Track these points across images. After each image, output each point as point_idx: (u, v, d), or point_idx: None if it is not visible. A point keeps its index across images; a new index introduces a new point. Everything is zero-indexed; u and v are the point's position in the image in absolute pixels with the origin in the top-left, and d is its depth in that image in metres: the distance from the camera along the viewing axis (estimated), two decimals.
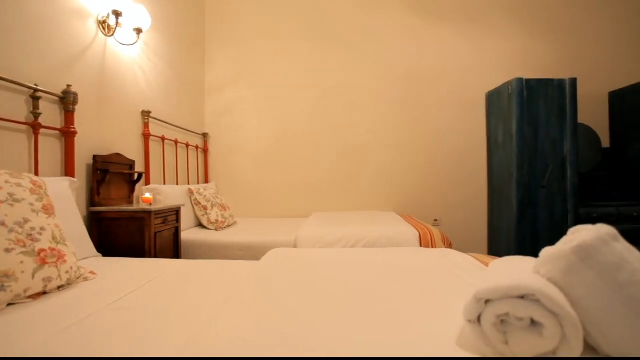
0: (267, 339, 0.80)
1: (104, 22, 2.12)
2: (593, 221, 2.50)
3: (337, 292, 1.11)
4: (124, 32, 2.28)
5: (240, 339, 0.80)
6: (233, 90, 3.71)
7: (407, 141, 3.52)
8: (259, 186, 3.65)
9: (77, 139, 1.86)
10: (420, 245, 2.08)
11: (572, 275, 0.71)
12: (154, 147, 2.72)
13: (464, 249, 2.68)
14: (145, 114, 2.56)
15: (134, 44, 2.33)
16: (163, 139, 2.80)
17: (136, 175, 2.35)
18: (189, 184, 3.22)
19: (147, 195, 2.13)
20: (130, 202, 2.33)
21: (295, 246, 2.25)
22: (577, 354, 0.66)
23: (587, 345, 0.71)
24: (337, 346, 0.76)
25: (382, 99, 3.54)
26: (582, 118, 2.95)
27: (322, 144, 3.59)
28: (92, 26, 2.06)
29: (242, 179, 3.67)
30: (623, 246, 0.71)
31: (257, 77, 3.68)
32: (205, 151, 3.67)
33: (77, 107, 1.86)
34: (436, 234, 2.17)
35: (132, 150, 2.42)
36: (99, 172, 1.99)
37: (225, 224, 2.77)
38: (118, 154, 2.19)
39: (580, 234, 0.74)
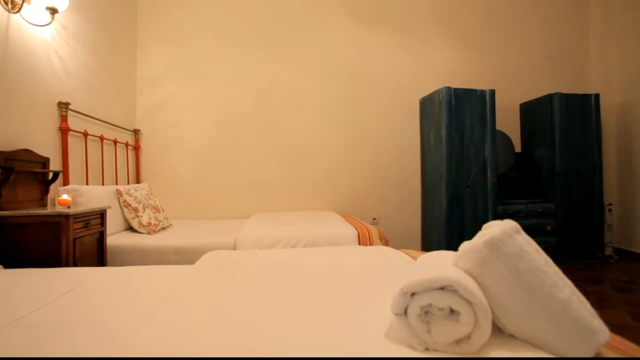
0: (197, 347, 0.76)
1: None
2: (508, 217, 2.82)
3: (274, 293, 1.10)
4: (34, 10, 2.00)
5: (168, 348, 0.75)
6: (169, 85, 3.48)
7: (348, 142, 3.62)
8: (196, 186, 3.47)
9: None
10: (359, 243, 2.16)
11: (484, 265, 0.79)
12: (75, 143, 2.44)
13: (400, 245, 2.84)
14: (63, 106, 2.28)
15: (48, 24, 2.06)
16: (85, 134, 2.53)
17: (51, 175, 2.09)
18: (117, 184, 2.95)
19: (65, 196, 1.90)
20: (44, 205, 2.06)
21: (234, 248, 2.19)
22: (487, 336, 0.74)
23: (496, 327, 0.80)
24: (269, 347, 0.76)
25: (324, 101, 3.60)
26: (499, 125, 3.31)
27: (264, 143, 3.54)
28: None
29: (179, 179, 3.46)
30: (523, 238, 0.81)
31: (195, 72, 3.50)
32: (137, 149, 3.40)
33: None
34: (374, 232, 2.26)
35: (45, 146, 2.14)
36: (1, 170, 1.73)
37: (159, 227, 2.59)
38: (27, 150, 1.92)
39: (491, 229, 0.83)
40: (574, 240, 3.21)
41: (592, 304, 2.15)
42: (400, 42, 3.68)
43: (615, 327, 1.88)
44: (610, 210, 3.32)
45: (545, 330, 0.73)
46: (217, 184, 3.49)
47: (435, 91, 3.15)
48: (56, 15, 2.08)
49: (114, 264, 2.12)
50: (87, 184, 2.54)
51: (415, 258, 1.49)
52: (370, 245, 2.15)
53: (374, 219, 3.59)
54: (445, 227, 2.99)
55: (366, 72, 3.64)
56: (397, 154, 3.65)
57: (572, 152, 3.23)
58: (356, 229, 2.27)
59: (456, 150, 3.02)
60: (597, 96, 3.26)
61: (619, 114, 3.58)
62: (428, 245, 3.32)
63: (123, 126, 3.13)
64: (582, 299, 0.78)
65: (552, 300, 0.73)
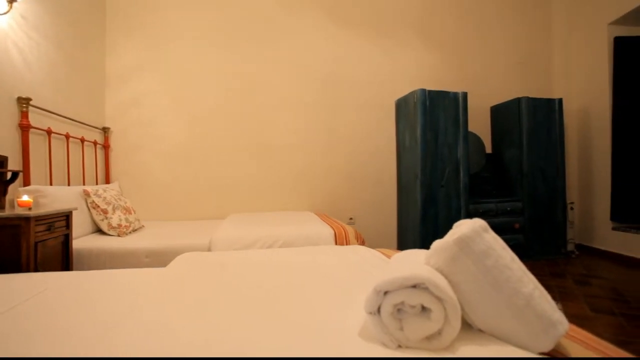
0: (167, 348, 0.74)
1: None
2: (480, 215, 2.89)
3: (249, 294, 1.09)
4: None
5: (136, 353, 0.72)
6: (140, 82, 3.36)
7: (324, 143, 3.63)
8: (170, 187, 3.37)
9: None
10: (335, 243, 2.17)
11: (454, 263, 0.81)
12: (37, 141, 2.31)
13: (376, 244, 2.88)
14: (23, 102, 2.15)
15: (5, 13, 1.93)
16: (49, 132, 2.40)
17: (9, 175, 1.96)
18: (84, 184, 2.81)
19: (25, 197, 1.79)
20: (2, 207, 1.94)
21: (209, 249, 2.14)
22: (456, 332, 0.76)
23: (465, 322, 0.82)
24: (241, 347, 0.75)
25: (300, 101, 3.60)
26: (471, 127, 3.43)
27: (240, 143, 3.49)
28: None
29: (151, 179, 3.35)
30: (491, 236, 0.84)
31: (168, 69, 3.39)
32: (106, 148, 3.26)
33: None
34: (350, 231, 2.28)
35: (3, 144, 2.01)
36: None
37: (130, 229, 2.49)
38: None
39: (460, 228, 0.85)
40: (539, 237, 3.37)
41: (556, 297, 2.25)
42: (377, 44, 3.73)
43: (575, 318, 2.00)
44: (572, 208, 3.51)
45: (510, 324, 0.76)
46: (191, 184, 3.40)
47: (411, 93, 3.21)
48: (14, 4, 1.96)
49: (81, 269, 2.02)
50: (51, 184, 2.41)
51: (390, 257, 1.52)
52: (346, 244, 2.16)
53: (351, 218, 3.62)
54: (420, 226, 3.06)
55: (343, 73, 3.66)
56: (374, 154, 3.70)
57: (538, 153, 3.39)
58: (333, 228, 2.28)
59: (430, 151, 3.10)
60: (560, 101, 3.44)
61: (579, 118, 3.80)
62: (404, 244, 3.39)
63: (91, 124, 2.99)
64: (545, 292, 0.82)
65: (517, 294, 0.76)
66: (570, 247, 3.46)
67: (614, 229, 3.37)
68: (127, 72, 3.34)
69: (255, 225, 2.43)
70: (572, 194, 3.78)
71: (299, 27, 3.60)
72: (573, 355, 0.73)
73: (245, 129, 3.50)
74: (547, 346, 0.73)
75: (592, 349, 0.76)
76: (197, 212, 3.38)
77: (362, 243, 2.27)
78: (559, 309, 0.79)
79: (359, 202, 3.65)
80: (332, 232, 2.24)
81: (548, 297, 0.81)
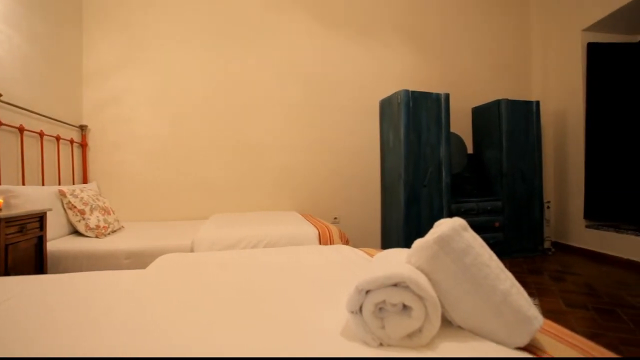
0: (145, 350, 0.72)
1: None
2: (461, 214, 2.95)
3: (231, 295, 1.07)
4: None
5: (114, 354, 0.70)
6: (120, 79, 3.27)
7: (309, 143, 3.63)
8: (151, 186, 3.29)
9: None
10: (320, 243, 2.17)
11: (434, 261, 0.83)
12: (8, 139, 2.21)
13: (360, 244, 2.90)
14: None
15: None
16: (21, 129, 2.30)
17: None
18: (60, 184, 2.72)
19: None
20: None
21: (192, 250, 2.10)
22: (436, 329, 0.77)
23: (445, 319, 0.84)
24: (222, 348, 0.74)
25: (285, 100, 3.58)
26: (453, 128, 3.50)
27: (223, 142, 3.44)
28: None
29: (131, 179, 3.26)
30: (470, 234, 0.86)
31: (149, 66, 3.31)
32: (84, 146, 3.15)
33: None
34: (334, 231, 2.29)
35: None
36: None
37: (109, 230, 2.42)
38: None
39: (441, 227, 0.87)
40: (518, 235, 3.47)
41: (533, 293, 2.32)
42: (361, 44, 3.75)
43: (551, 312, 2.06)
44: (548, 207, 3.63)
45: (488, 320, 0.78)
46: (173, 184, 3.34)
47: (394, 93, 3.25)
48: None
49: (56, 272, 1.95)
50: (23, 184, 2.31)
51: (373, 256, 1.53)
52: (331, 244, 2.17)
53: (335, 218, 3.63)
54: (404, 226, 3.10)
55: (327, 72, 3.67)
56: (358, 154, 3.72)
57: (517, 154, 3.49)
58: (317, 228, 2.28)
59: (414, 151, 3.14)
60: (537, 103, 3.55)
61: (555, 120, 3.93)
62: (388, 243, 3.42)
63: (67, 121, 2.89)
64: (521, 289, 0.84)
65: (494, 291, 0.78)
66: (546, 244, 3.58)
67: (587, 227, 3.51)
68: (106, 68, 3.24)
69: (238, 225, 2.40)
70: (549, 193, 3.90)
71: (283, 27, 3.58)
72: (547, 349, 0.75)
73: (229, 128, 3.46)
74: (523, 341, 0.75)
75: (565, 342, 0.79)
76: (179, 212, 3.32)
77: (347, 243, 2.28)
78: (535, 305, 0.82)
79: (344, 202, 3.67)
80: (317, 231, 2.24)
81: (524, 293, 0.84)
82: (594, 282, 2.63)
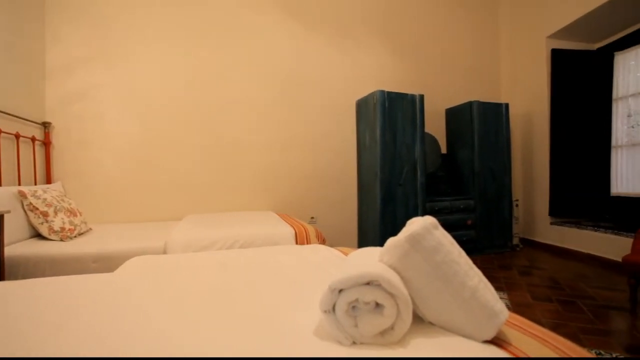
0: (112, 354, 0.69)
1: None
2: (435, 213, 3.02)
3: (205, 297, 1.05)
4: None
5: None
6: (87, 74, 3.11)
7: (285, 142, 3.60)
8: (121, 186, 3.16)
9: None
10: (296, 243, 2.17)
11: (405, 259, 0.84)
12: None
13: (337, 243, 2.92)
14: None
15: None
16: None
17: None
18: (19, 184, 2.56)
19: None
20: None
21: (165, 252, 2.04)
22: (408, 326, 0.79)
23: (416, 316, 0.86)
24: (193, 350, 0.72)
25: (262, 99, 3.54)
26: (427, 128, 3.58)
27: (196, 141, 3.36)
28: None
29: (100, 179, 3.12)
30: (441, 233, 0.88)
31: (118, 61, 3.18)
32: (47, 145, 2.99)
33: None
34: (311, 231, 2.29)
35: None
36: None
37: (75, 232, 2.31)
38: None
39: (412, 225, 0.89)
40: (489, 232, 3.61)
41: (502, 288, 2.41)
42: (338, 44, 3.77)
43: (519, 305, 2.16)
44: (517, 205, 3.80)
45: (457, 315, 0.80)
46: (144, 184, 3.22)
47: (370, 94, 3.29)
48: None
49: (15, 278, 1.83)
50: None
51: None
52: (307, 244, 2.16)
53: (312, 217, 3.63)
54: (380, 224, 3.14)
55: (304, 72, 3.66)
56: (335, 153, 3.74)
57: (487, 154, 3.62)
58: (293, 228, 2.27)
59: (389, 151, 3.20)
60: (506, 105, 3.70)
61: (523, 122, 4.11)
62: (364, 242, 3.46)
63: (28, 118, 2.73)
64: (488, 284, 0.87)
65: (463, 287, 0.81)
66: (515, 241, 3.74)
67: (552, 223, 3.70)
68: (72, 62, 3.08)
69: (213, 226, 2.35)
70: (518, 191, 4.08)
71: (259, 24, 3.54)
72: (512, 341, 0.78)
73: (204, 127, 3.38)
74: (489, 334, 0.78)
75: (528, 333, 0.82)
76: (152, 213, 3.21)
77: (323, 242, 2.28)
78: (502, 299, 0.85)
79: (321, 201, 3.67)
80: (293, 231, 2.23)
81: (491, 288, 0.87)
82: (557, 276, 2.78)
